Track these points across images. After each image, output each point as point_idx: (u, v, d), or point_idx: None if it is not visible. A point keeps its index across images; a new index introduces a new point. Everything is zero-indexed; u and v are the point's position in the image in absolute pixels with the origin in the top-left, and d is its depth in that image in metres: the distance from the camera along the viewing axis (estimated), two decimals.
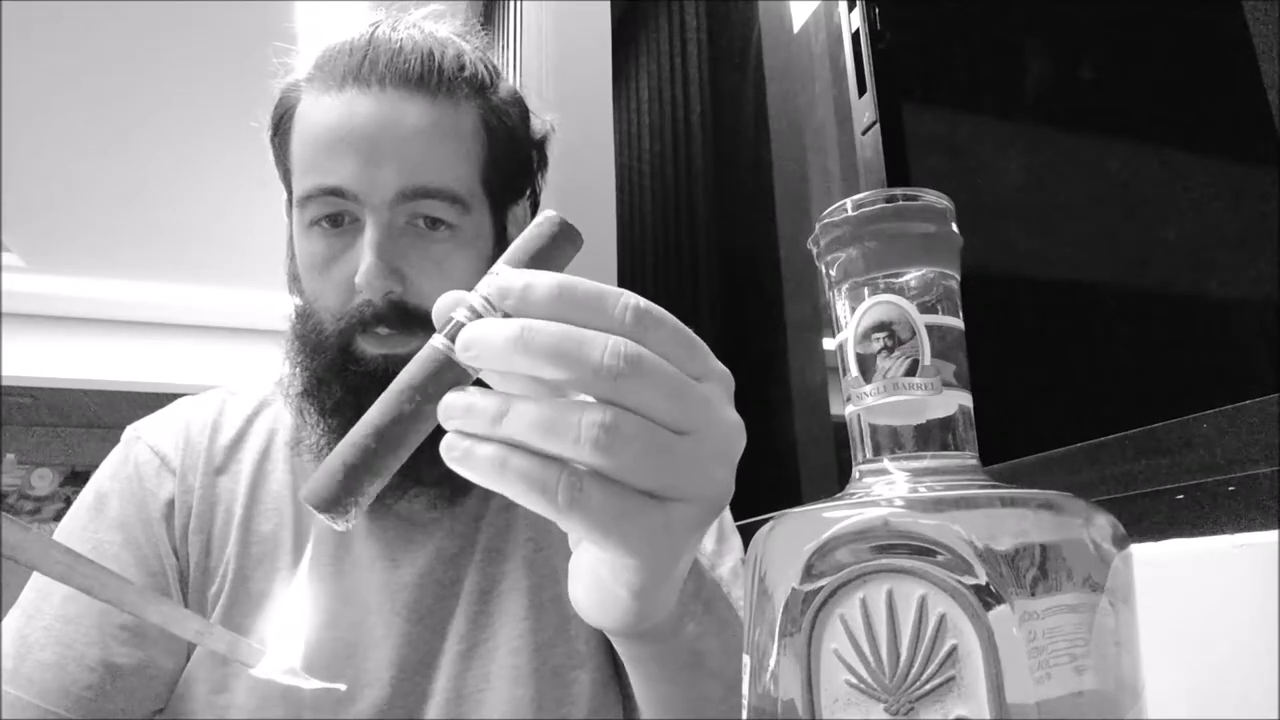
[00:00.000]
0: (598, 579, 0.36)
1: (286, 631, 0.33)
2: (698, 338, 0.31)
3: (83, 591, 0.31)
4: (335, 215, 0.59)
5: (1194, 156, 0.68)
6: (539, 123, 0.70)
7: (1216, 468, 0.48)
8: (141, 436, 0.67)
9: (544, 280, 0.29)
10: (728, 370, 0.32)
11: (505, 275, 0.30)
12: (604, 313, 0.29)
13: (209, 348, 4.63)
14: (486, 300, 0.30)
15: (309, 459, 0.65)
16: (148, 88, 2.94)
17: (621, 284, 1.58)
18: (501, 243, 0.65)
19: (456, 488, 0.64)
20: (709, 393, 0.31)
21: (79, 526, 0.62)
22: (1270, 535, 0.42)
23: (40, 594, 0.59)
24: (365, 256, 0.57)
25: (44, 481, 5.35)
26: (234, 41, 2.66)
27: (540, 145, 0.70)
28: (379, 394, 0.31)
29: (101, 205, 3.69)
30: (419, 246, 0.59)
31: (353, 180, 0.58)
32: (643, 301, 0.29)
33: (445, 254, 0.60)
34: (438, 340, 0.31)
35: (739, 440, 0.32)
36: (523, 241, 0.32)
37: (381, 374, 0.58)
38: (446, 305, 0.31)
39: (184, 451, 0.66)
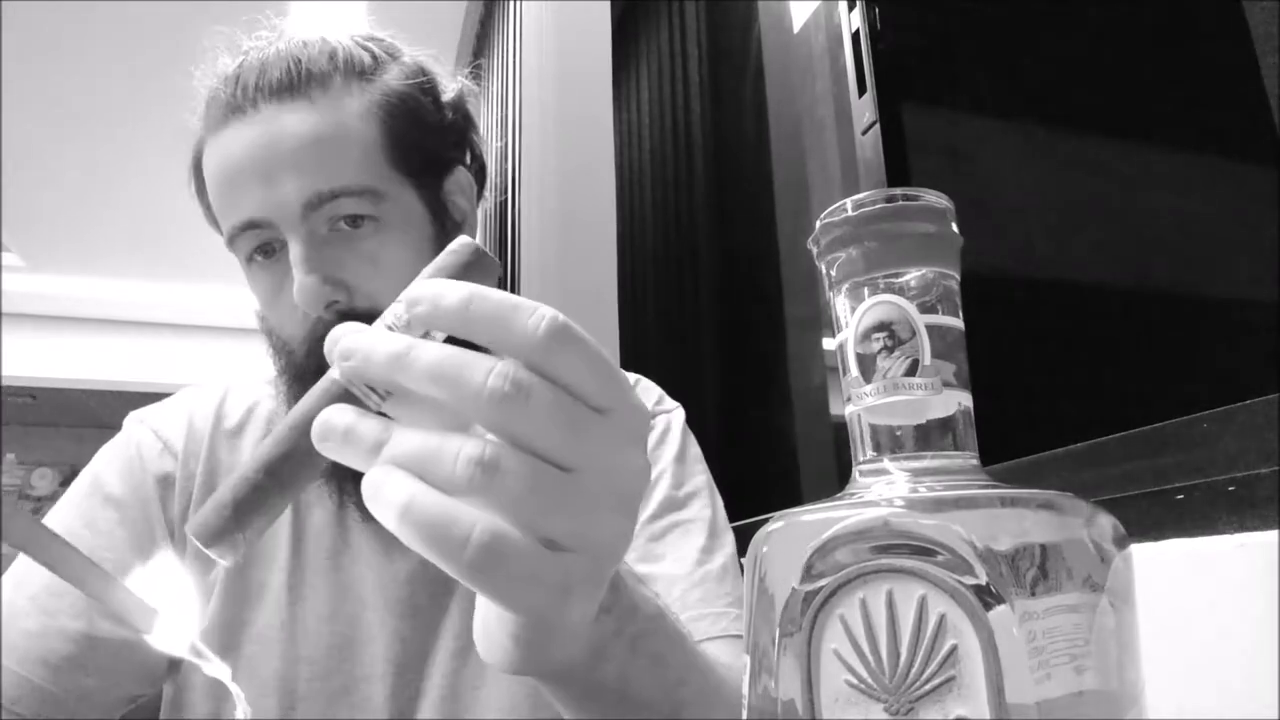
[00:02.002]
0: (484, 620, 0.34)
1: (176, 604, 0.32)
2: (615, 367, 0.28)
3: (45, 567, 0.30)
4: (264, 246, 0.59)
5: (1194, 156, 0.68)
6: (451, 85, 0.67)
7: (1216, 468, 0.48)
8: (145, 421, 0.68)
9: (453, 290, 0.27)
10: (645, 407, 0.30)
11: (414, 287, 0.28)
12: (513, 326, 0.27)
13: (209, 348, 4.63)
14: (393, 325, 0.29)
15: None
16: (148, 88, 2.94)
17: (621, 284, 1.57)
18: (440, 218, 0.63)
19: None
20: (612, 428, 0.28)
21: (75, 502, 0.63)
22: (1270, 535, 0.42)
23: (30, 564, 0.60)
24: (296, 276, 0.57)
25: (44, 481, 5.35)
26: (233, 43, 2.66)
27: (458, 108, 0.68)
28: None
29: (101, 205, 3.69)
30: (348, 249, 0.58)
31: (259, 208, 0.57)
32: (560, 317, 0.27)
33: (376, 248, 0.59)
34: (335, 372, 0.29)
35: (639, 484, 0.30)
36: (433, 268, 0.31)
37: None
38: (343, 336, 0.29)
39: (187, 437, 0.66)
